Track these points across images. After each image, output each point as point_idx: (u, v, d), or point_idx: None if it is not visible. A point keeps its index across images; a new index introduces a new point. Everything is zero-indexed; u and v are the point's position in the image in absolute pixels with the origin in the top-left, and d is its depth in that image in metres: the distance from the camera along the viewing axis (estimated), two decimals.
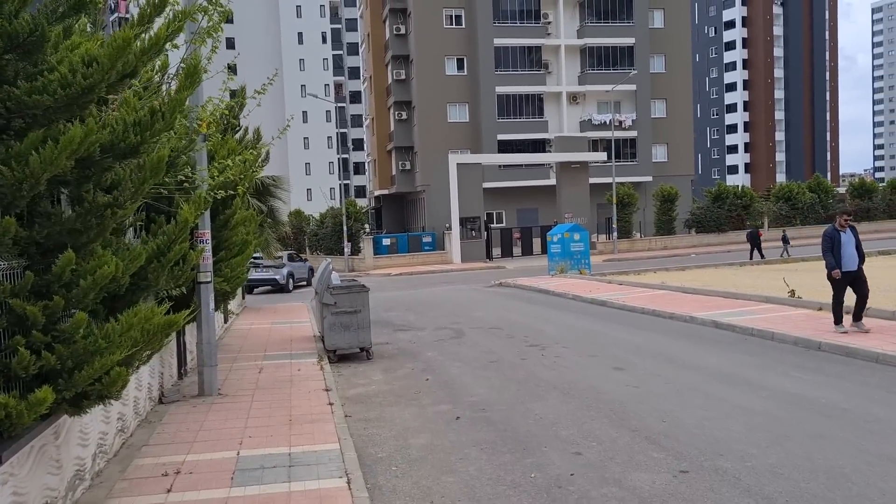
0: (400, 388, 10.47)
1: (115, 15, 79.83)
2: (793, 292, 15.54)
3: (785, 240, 33.52)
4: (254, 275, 29.82)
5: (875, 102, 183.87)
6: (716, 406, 8.30)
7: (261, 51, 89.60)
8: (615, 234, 44.49)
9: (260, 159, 11.65)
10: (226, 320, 17.08)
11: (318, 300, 14.33)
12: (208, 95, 8.95)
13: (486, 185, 45.65)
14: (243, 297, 23.63)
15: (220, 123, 11.76)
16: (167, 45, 7.36)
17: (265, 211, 21.68)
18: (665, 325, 14.84)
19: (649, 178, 55.44)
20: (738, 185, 50.00)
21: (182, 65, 6.92)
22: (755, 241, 32.22)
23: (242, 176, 9.26)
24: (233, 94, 12.12)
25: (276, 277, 31.11)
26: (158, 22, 5.49)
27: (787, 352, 11.26)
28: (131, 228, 7.68)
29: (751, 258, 31.81)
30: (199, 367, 9.62)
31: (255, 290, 31.23)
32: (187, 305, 9.24)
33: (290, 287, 31.76)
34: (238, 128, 14.26)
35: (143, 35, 4.89)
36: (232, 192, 8.72)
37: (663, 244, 46.16)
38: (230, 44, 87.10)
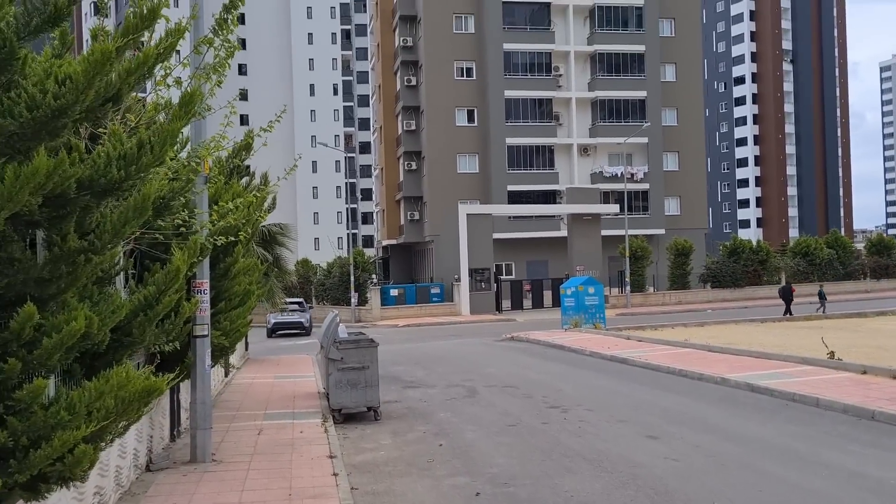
0: (411, 454, 9.55)
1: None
2: (832, 353, 14.58)
3: (821, 296, 32.66)
4: (280, 318, 32.22)
5: (886, 159, 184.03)
6: (772, 486, 7.35)
7: (273, 102, 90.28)
8: (628, 287, 43.61)
9: (265, 204, 10.94)
10: (226, 374, 16.22)
11: (323, 354, 13.48)
12: (211, 135, 8.27)
13: (496, 236, 44.99)
14: (246, 349, 22.74)
15: (224, 166, 11.11)
16: (170, 81, 6.72)
17: (270, 260, 20.95)
18: (694, 387, 13.88)
19: (662, 231, 54.71)
20: (753, 240, 49.24)
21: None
22: (788, 297, 31.50)
23: (245, 221, 8.53)
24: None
25: (302, 321, 33.09)
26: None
27: (836, 421, 10.30)
28: (120, 278, 6.93)
29: (784, 314, 31.07)
30: (191, 429, 8.74)
31: (277, 333, 33.20)
32: (181, 362, 8.42)
33: (311, 330, 32.98)
34: (244, 172, 13.65)
35: (128, 52, 4.19)
36: (233, 239, 8.00)
37: (678, 299, 45.20)
38: (244, 95, 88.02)
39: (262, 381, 16.80)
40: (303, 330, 33.00)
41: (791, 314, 30.84)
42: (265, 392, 14.82)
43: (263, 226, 21.47)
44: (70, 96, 3.72)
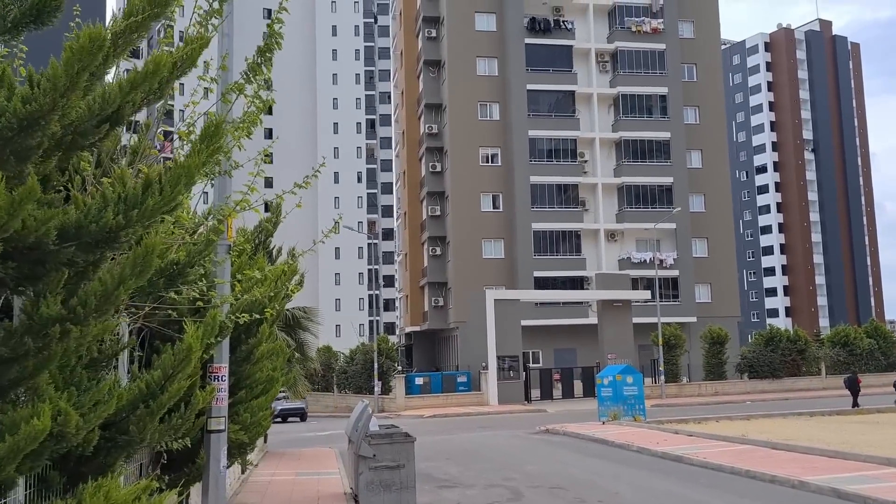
0: None
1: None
2: None
3: None
4: (284, 405, 34.99)
5: None
6: None
7: (297, 179, 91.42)
8: (662, 377, 41.68)
9: (296, 277, 9.88)
10: (243, 471, 14.76)
11: (352, 450, 12.09)
12: (239, 192, 7.26)
13: (522, 323, 43.60)
14: (265, 441, 21.25)
15: (249, 237, 10.11)
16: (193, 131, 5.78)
17: (294, 345, 19.75)
18: (770, 492, 12.24)
19: (693, 319, 52.95)
20: (790, 329, 47.37)
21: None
22: (854, 388, 29.81)
23: (273, 296, 7.42)
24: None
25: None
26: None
27: None
28: (124, 360, 5.78)
29: (853, 406, 29.23)
30: None
31: (278, 419, 35.80)
32: (192, 461, 7.15)
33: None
34: (270, 247, 12.64)
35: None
36: (258, 317, 6.88)
37: (714, 389, 43.10)
38: (268, 183, 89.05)
39: (283, 478, 15.32)
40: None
41: (858, 406, 29.03)
42: (286, 492, 13.35)
43: (287, 309, 20.41)
44: (45, 100, 2.68)
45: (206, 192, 7.05)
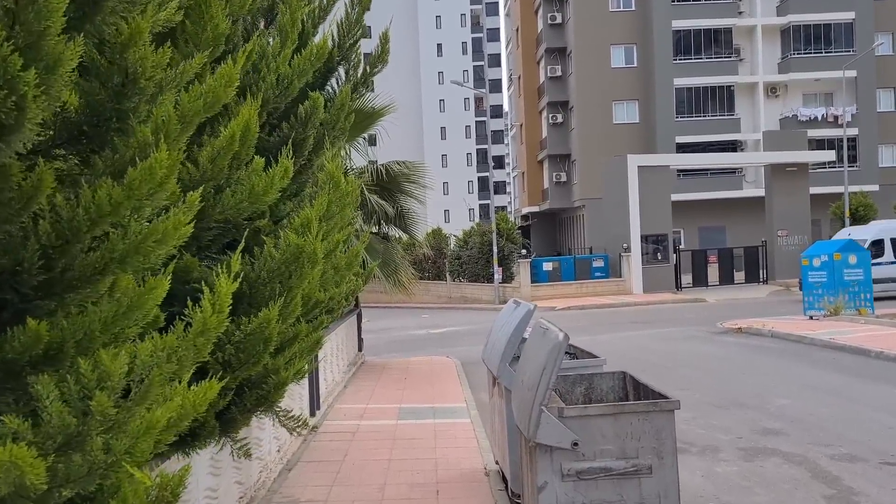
0: None
1: None
2: None
3: None
4: None
5: None
6: None
7: (399, 62, 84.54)
8: None
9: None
10: (313, 411, 8.86)
11: (506, 403, 5.77)
12: None
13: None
14: (360, 348, 15.54)
15: None
16: None
17: (392, 214, 13.56)
18: None
19: (875, 188, 43.50)
20: None
21: None
22: None
23: None
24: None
25: None
26: None
27: None
28: None
29: None
30: None
31: None
32: None
33: None
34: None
35: None
36: None
37: None
38: (367, 46, 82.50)
39: (376, 422, 9.38)
40: None
41: None
42: (379, 462, 7.33)
43: (381, 164, 14.12)
44: None
45: None
